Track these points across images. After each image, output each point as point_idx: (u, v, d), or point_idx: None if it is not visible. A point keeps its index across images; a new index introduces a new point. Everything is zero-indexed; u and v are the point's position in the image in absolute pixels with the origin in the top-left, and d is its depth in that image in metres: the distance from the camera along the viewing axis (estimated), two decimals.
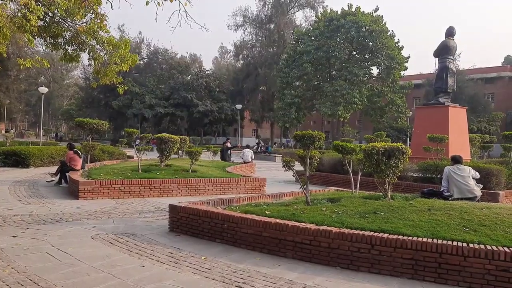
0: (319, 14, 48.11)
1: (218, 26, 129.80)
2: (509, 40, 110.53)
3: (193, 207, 7.08)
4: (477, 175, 8.68)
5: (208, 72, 61.77)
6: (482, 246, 4.87)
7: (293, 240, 5.80)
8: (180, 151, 17.62)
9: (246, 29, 57.99)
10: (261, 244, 6.08)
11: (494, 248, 4.81)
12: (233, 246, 6.33)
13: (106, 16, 7.95)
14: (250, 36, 58.42)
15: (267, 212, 6.64)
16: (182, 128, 59.47)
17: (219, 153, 21.42)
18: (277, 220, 6.10)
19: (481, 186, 8.83)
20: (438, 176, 12.89)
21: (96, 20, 8.01)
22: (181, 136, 16.29)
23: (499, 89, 54.07)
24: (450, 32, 17.15)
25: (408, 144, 29.03)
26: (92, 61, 8.84)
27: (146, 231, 7.20)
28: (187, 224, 7.00)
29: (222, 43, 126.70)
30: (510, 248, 4.79)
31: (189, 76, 58.62)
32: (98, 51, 8.67)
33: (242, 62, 61.33)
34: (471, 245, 4.94)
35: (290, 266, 5.49)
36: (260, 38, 57.76)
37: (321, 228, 5.70)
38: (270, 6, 55.64)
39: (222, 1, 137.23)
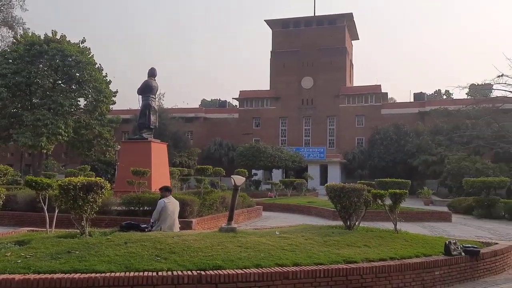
0: (19, 36, 43.49)
1: None
2: (205, 86, 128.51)
3: None
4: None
5: None
6: (170, 273, 5.25)
7: None
8: None
9: None
10: None
11: (180, 273, 5.25)
12: None
13: None
14: None
15: None
16: None
17: None
18: None
19: (180, 225, 9.58)
20: (141, 209, 13.39)
21: None
22: None
23: (197, 127, 61.80)
24: (152, 73, 18.38)
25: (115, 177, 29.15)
26: None
27: None
28: None
29: None
30: (193, 271, 5.33)
31: None
32: None
33: None
34: (160, 273, 5.24)
35: None
36: None
37: (1, 278, 4.92)
38: None
39: None
